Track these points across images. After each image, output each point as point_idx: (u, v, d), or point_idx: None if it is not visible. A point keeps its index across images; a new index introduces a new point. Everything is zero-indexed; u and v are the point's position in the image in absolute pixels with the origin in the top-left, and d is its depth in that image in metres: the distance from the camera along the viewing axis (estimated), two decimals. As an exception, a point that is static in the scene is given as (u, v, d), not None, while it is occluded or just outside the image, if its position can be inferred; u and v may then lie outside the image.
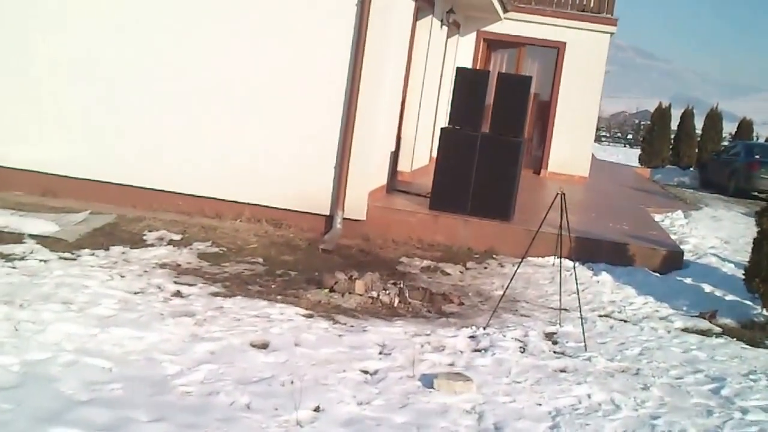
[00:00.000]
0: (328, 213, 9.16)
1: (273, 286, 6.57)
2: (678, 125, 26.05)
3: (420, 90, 11.80)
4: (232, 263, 7.25)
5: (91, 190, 9.25)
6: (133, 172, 9.26)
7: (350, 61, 8.91)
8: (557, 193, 6.07)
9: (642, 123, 50.17)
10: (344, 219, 9.07)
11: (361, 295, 6.41)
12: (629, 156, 33.11)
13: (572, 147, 15.78)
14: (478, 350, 5.35)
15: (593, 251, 8.89)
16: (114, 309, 5.18)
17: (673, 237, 10.85)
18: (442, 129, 9.47)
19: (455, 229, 9.18)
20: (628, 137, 47.87)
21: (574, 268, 7.04)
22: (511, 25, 15.63)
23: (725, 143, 27.67)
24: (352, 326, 5.55)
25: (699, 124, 25.99)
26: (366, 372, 4.68)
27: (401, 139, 11.77)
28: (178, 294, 5.86)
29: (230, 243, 8.10)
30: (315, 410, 4.04)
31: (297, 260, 7.77)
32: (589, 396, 4.69)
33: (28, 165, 9.32)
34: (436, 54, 12.53)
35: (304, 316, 5.65)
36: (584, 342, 5.75)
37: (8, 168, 9.31)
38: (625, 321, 6.78)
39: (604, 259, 8.83)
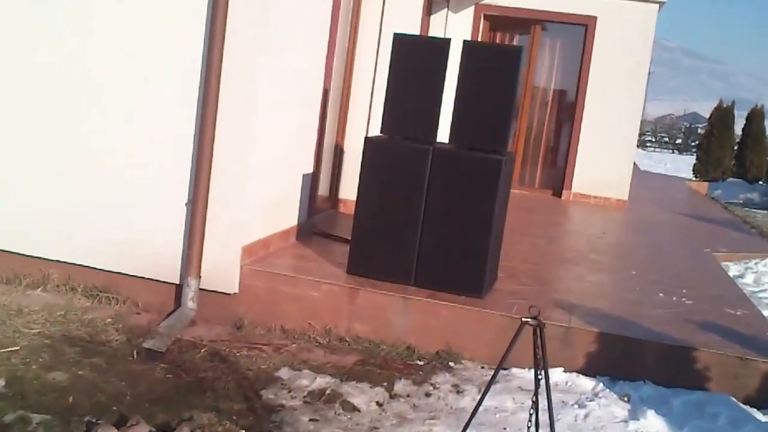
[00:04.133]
0: (178, 281, 5.46)
1: None
2: (743, 129, 21.23)
3: (372, 82, 7.95)
4: None
5: None
6: None
7: (206, 23, 5.19)
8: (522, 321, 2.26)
9: (693, 125, 45.50)
10: (201, 291, 5.37)
11: None
12: (679, 164, 28.59)
13: (607, 160, 11.57)
14: None
15: (630, 360, 4.95)
16: None
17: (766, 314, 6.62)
18: (366, 140, 5.51)
19: (387, 312, 5.27)
20: (676, 142, 43.06)
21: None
22: (521, -5, 11.55)
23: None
24: None
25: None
26: None
27: (344, 152, 7.94)
28: None
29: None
30: None
31: (74, 382, 4.12)
32: None
33: None
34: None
35: None
36: None
37: None
38: None
39: (649, 375, 4.87)
